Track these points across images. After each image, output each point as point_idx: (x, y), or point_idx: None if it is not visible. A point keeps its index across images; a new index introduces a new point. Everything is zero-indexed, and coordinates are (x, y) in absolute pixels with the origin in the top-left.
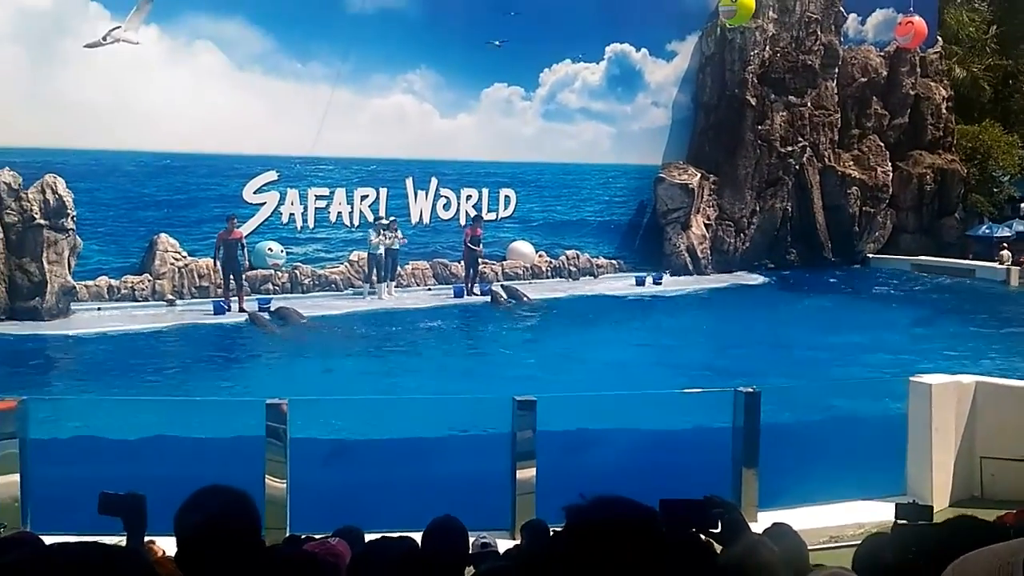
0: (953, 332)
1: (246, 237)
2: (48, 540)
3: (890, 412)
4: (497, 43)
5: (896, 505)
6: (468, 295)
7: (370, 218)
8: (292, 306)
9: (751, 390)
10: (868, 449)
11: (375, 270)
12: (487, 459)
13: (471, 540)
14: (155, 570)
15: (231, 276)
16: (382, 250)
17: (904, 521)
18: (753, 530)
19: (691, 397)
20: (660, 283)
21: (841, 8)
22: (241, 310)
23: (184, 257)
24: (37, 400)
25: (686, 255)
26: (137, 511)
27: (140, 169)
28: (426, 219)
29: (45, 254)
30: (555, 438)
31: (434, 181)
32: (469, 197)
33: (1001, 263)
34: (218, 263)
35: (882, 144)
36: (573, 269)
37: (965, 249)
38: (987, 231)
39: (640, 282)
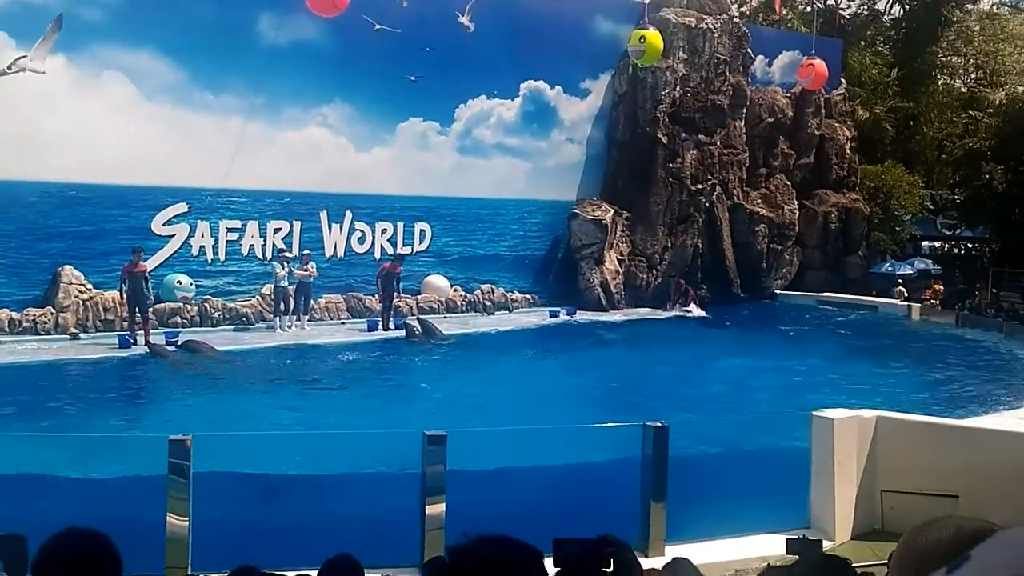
0: (856, 365)
1: (155, 269)
2: None
3: (794, 446)
4: (413, 78)
5: (787, 540)
6: (383, 329)
7: (288, 253)
8: (203, 340)
9: (659, 424)
10: (773, 482)
11: (282, 303)
12: (398, 495)
13: None
14: None
15: (136, 309)
16: (286, 283)
17: (795, 555)
18: (654, 566)
19: (602, 431)
20: (573, 316)
21: (749, 50)
22: (147, 344)
23: (89, 289)
24: None
25: (599, 290)
26: (18, 552)
27: (44, 200)
28: (340, 252)
29: None
30: (465, 475)
31: (349, 214)
32: (384, 231)
33: (898, 299)
34: (124, 296)
35: (789, 183)
36: (488, 303)
37: (868, 286)
38: (889, 268)
39: (554, 316)
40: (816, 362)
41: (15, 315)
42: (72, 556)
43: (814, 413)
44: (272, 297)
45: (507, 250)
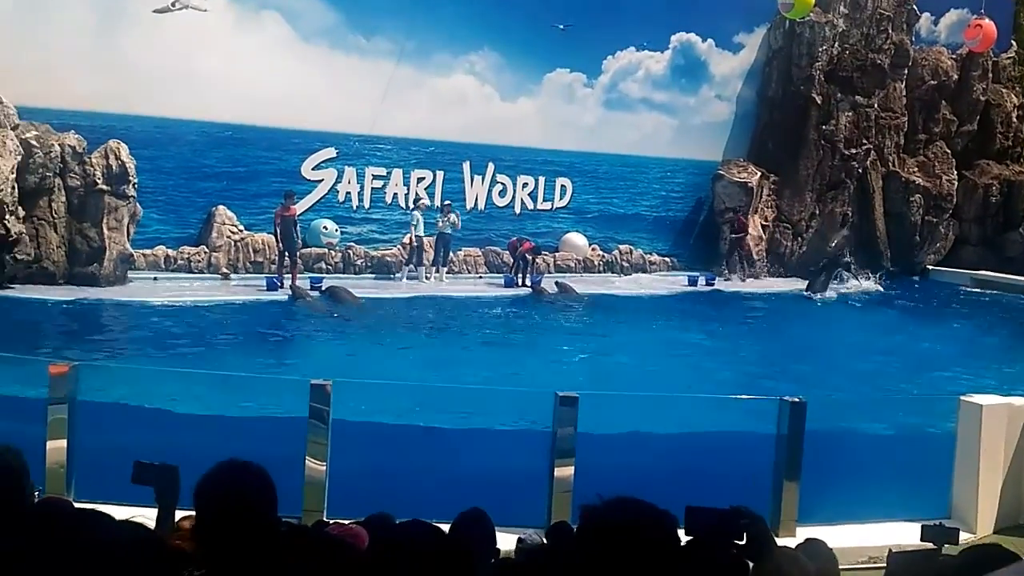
0: (1010, 351)
1: (303, 214)
2: (85, 507)
3: (939, 431)
4: (562, 26)
5: (922, 527)
6: (519, 286)
7: (425, 201)
8: (344, 286)
9: (797, 400)
10: (914, 468)
11: (416, 253)
12: (526, 455)
13: (522, 535)
14: (162, 547)
15: (286, 252)
16: (422, 232)
17: (930, 544)
18: (787, 544)
19: (736, 402)
20: (712, 283)
21: (914, 6)
22: (292, 287)
23: (241, 231)
24: (88, 365)
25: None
26: (170, 482)
27: (202, 139)
28: (481, 205)
29: (105, 220)
30: (595, 437)
31: (491, 166)
32: (525, 184)
33: None
34: (277, 239)
35: (948, 151)
36: (625, 264)
37: None
38: None
39: (692, 282)
40: (968, 345)
41: (171, 252)
42: (232, 487)
43: (962, 398)
44: (410, 246)
45: (648, 210)
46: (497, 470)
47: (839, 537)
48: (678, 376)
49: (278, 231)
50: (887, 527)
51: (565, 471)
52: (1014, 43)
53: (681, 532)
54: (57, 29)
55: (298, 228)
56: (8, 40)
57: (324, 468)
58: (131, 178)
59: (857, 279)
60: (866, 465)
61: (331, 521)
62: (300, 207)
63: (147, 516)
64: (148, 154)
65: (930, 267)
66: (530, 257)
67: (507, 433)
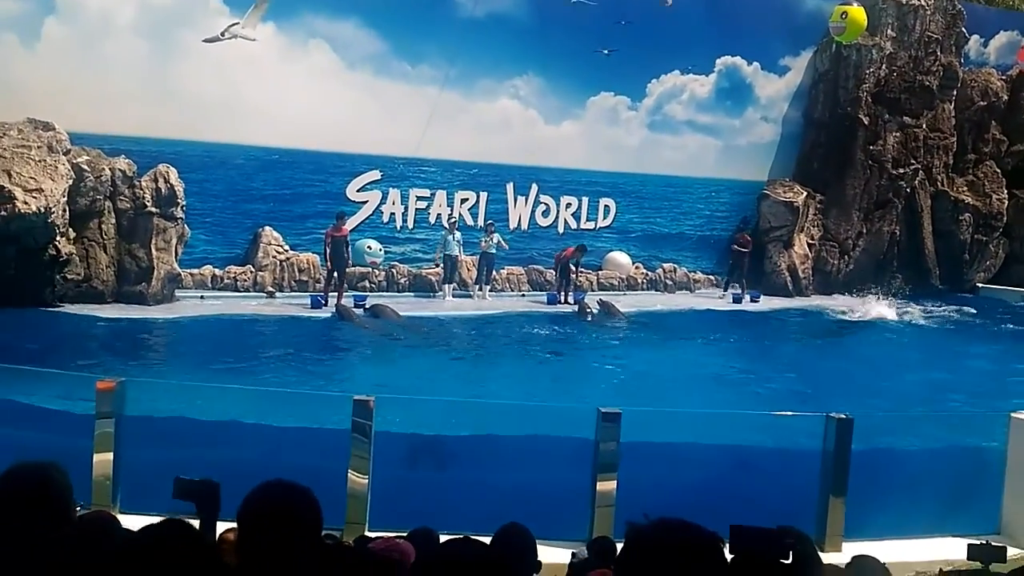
0: None
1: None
2: (131, 521)
3: (989, 447)
4: (606, 52)
5: (968, 546)
6: (562, 303)
7: (468, 221)
8: (388, 304)
9: (843, 416)
10: (963, 484)
11: (450, 270)
12: (569, 469)
13: (574, 551)
14: (213, 552)
15: (335, 272)
16: (456, 250)
17: (976, 562)
18: (834, 562)
19: (781, 419)
20: (757, 301)
21: (963, 29)
22: (337, 306)
23: (286, 251)
24: (135, 382)
25: (787, 274)
26: (210, 498)
27: (249, 162)
28: (524, 225)
29: (154, 241)
30: (638, 449)
31: (534, 187)
32: (569, 205)
33: None
34: (326, 257)
35: (998, 171)
36: (669, 283)
37: None
38: None
39: (737, 299)
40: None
41: (218, 271)
42: (278, 507)
43: (1013, 415)
44: (443, 265)
45: (692, 229)
46: (539, 484)
47: (886, 553)
48: (721, 392)
49: (328, 250)
50: (936, 542)
51: (607, 485)
52: None
53: (726, 550)
54: (109, 58)
55: (348, 248)
56: (61, 69)
57: (366, 482)
58: (179, 200)
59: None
60: (915, 481)
61: (375, 536)
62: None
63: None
64: (196, 177)
65: (980, 284)
66: (574, 264)
67: (549, 448)
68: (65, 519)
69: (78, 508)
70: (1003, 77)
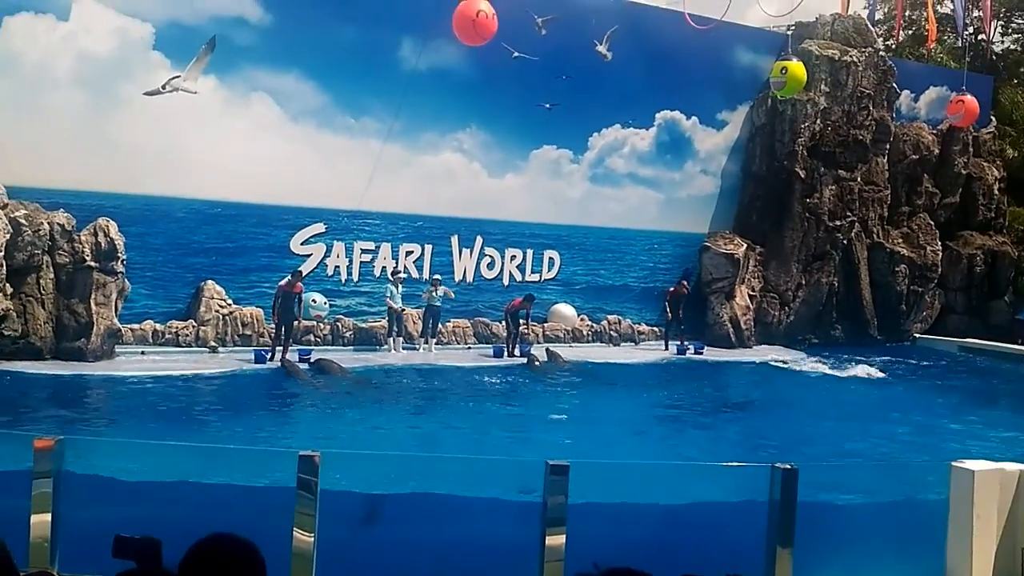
0: (999, 417)
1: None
2: None
3: (931, 497)
4: (548, 106)
5: None
6: (508, 356)
7: (414, 274)
8: (333, 358)
9: (788, 467)
10: (906, 534)
11: (396, 322)
12: (516, 524)
13: None
14: None
15: (283, 327)
16: (398, 304)
17: None
18: None
19: (727, 470)
20: (701, 352)
21: (894, 84)
22: (282, 360)
23: (229, 305)
24: (74, 439)
25: (729, 326)
26: (151, 555)
27: (191, 216)
28: (470, 277)
29: (93, 296)
30: (585, 507)
31: (479, 240)
32: (513, 257)
33: None
34: (274, 311)
35: (932, 223)
36: (614, 334)
37: (1014, 333)
38: None
39: (681, 351)
40: (958, 412)
41: (159, 327)
42: (220, 560)
43: (953, 464)
44: (387, 318)
45: (636, 281)
46: (488, 539)
47: None
48: (665, 443)
49: (277, 303)
50: None
51: (556, 540)
52: (993, 119)
53: None
54: (48, 110)
55: (301, 304)
56: (0, 123)
57: (312, 539)
58: (120, 255)
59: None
60: (859, 532)
61: None
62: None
63: None
64: (137, 231)
65: (917, 335)
66: (523, 314)
67: (497, 502)
68: None
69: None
70: (934, 131)
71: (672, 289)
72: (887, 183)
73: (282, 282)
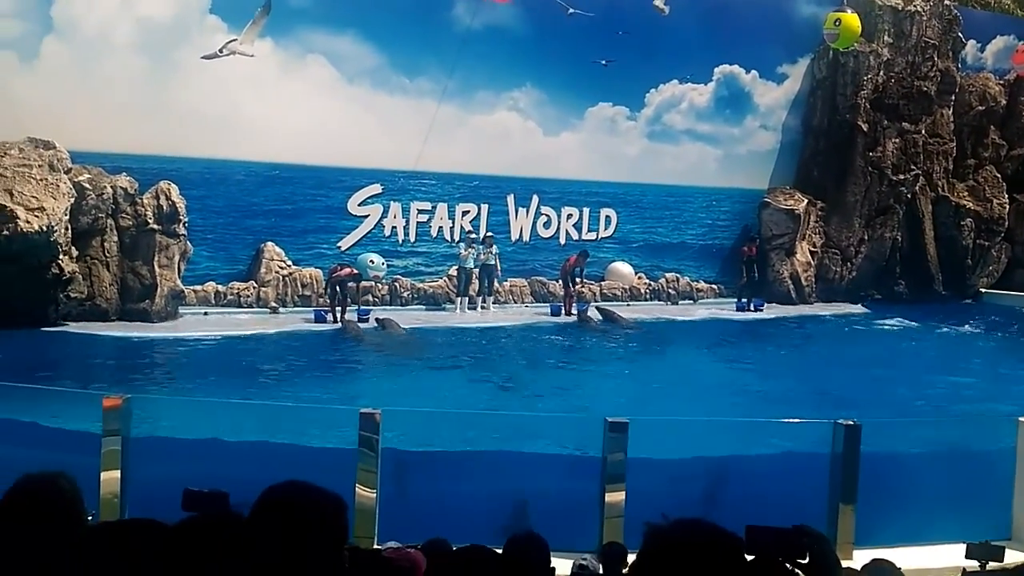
0: None
1: (350, 248)
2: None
3: (997, 452)
4: (604, 62)
5: (967, 545)
6: (565, 314)
7: (473, 234)
8: (391, 317)
9: (851, 423)
10: (973, 489)
11: (465, 283)
12: (576, 480)
13: (572, 561)
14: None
15: (339, 296)
16: (471, 264)
17: (975, 561)
18: (848, 566)
19: (788, 426)
20: (761, 309)
21: (959, 34)
22: (341, 320)
23: (289, 266)
24: (141, 398)
25: (789, 282)
26: (220, 508)
27: (250, 178)
28: (526, 236)
29: (156, 258)
30: (645, 462)
31: (535, 199)
32: (570, 216)
33: None
34: (333, 300)
35: (999, 175)
36: (672, 292)
37: None
38: None
39: (741, 308)
40: None
41: (221, 288)
42: (298, 504)
43: (1021, 419)
44: (457, 278)
45: (694, 239)
46: (547, 495)
47: (898, 559)
48: (727, 399)
49: (335, 289)
50: (947, 548)
51: (616, 496)
52: None
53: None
54: (108, 76)
55: (358, 284)
56: (62, 88)
57: (375, 496)
58: (181, 217)
59: None
60: (925, 487)
61: (386, 546)
62: (347, 241)
63: None
64: (198, 194)
65: (983, 290)
66: (579, 271)
67: (558, 458)
68: (78, 525)
69: (90, 517)
70: (1000, 82)
71: (746, 248)
72: (952, 135)
73: (333, 271)
